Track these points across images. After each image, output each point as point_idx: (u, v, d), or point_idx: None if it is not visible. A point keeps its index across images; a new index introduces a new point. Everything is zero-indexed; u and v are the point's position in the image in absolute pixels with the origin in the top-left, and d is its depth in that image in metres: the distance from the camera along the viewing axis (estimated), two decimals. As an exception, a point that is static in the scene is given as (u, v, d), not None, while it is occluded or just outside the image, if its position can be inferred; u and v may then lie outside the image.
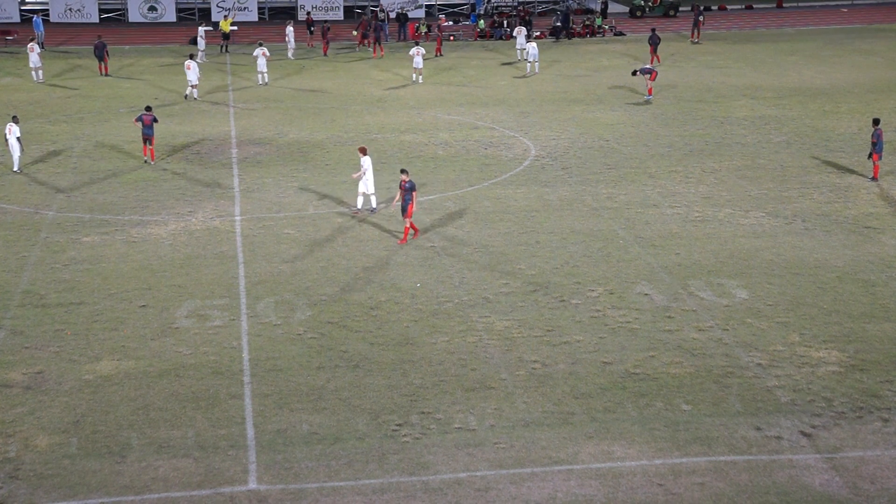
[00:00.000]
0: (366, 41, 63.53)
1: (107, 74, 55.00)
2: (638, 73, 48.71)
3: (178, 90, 50.58)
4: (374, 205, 31.69)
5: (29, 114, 45.79)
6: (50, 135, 42.01)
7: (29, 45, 53.49)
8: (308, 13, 70.00)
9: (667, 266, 27.41)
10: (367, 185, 31.22)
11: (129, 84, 52.63)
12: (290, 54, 60.42)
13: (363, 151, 31.19)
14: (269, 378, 21.41)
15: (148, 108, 37.70)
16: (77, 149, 39.77)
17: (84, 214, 31.84)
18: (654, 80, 48.15)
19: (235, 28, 67.05)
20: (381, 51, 61.41)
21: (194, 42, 65.16)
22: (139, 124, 37.21)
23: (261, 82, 52.70)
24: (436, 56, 60.44)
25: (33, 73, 53.21)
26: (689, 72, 55.43)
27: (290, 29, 60.83)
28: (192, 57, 49.48)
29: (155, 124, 37.33)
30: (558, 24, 69.81)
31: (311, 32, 64.99)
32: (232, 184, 35.14)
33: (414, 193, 28.73)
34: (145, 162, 37.22)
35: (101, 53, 55.09)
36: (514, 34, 61.63)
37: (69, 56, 60.24)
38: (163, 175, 36.08)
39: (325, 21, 67.84)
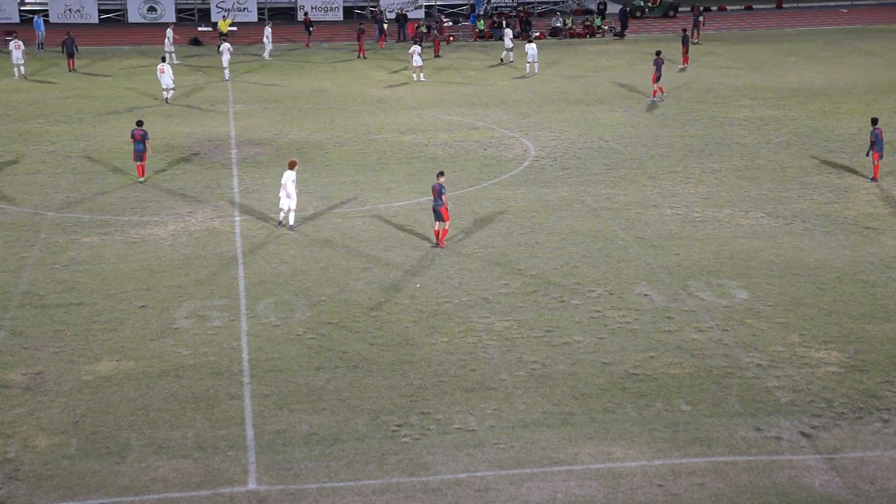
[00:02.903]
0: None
1: (73, 70, 55.94)
2: (658, 58, 48.26)
3: (178, 90, 50.56)
4: (280, 219, 30.34)
5: (28, 114, 45.81)
6: (50, 135, 42.01)
7: (14, 42, 54.07)
8: (306, 13, 70.00)
9: (666, 266, 27.41)
10: (283, 200, 29.91)
11: (129, 84, 52.64)
12: (265, 55, 60.21)
13: (290, 166, 29.88)
14: (269, 378, 21.41)
15: (139, 123, 35.52)
16: (77, 149, 39.77)
17: (83, 215, 31.84)
18: (655, 81, 48.07)
19: (235, 28, 67.08)
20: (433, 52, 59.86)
21: (195, 43, 65.30)
22: (131, 140, 35.10)
23: (227, 78, 53.64)
24: (434, 57, 60.39)
25: (16, 69, 54.18)
26: (688, 72, 55.42)
27: (268, 30, 60.76)
28: (164, 60, 49.18)
29: (147, 140, 34.94)
30: (562, 24, 69.85)
31: (310, 33, 64.99)
32: (231, 184, 35.14)
33: (444, 197, 28.34)
34: (140, 182, 35.05)
35: (70, 49, 55.95)
36: (502, 35, 61.37)
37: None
38: (162, 175, 36.06)
39: (361, 23, 67.33)
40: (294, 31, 68.21)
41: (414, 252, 28.52)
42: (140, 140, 34.86)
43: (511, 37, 59.68)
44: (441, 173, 28.88)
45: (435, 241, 28.79)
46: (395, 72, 56.40)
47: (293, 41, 65.77)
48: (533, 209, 32.18)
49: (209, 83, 53.10)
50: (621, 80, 53.17)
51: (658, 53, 48.81)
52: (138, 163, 35.34)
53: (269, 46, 60.34)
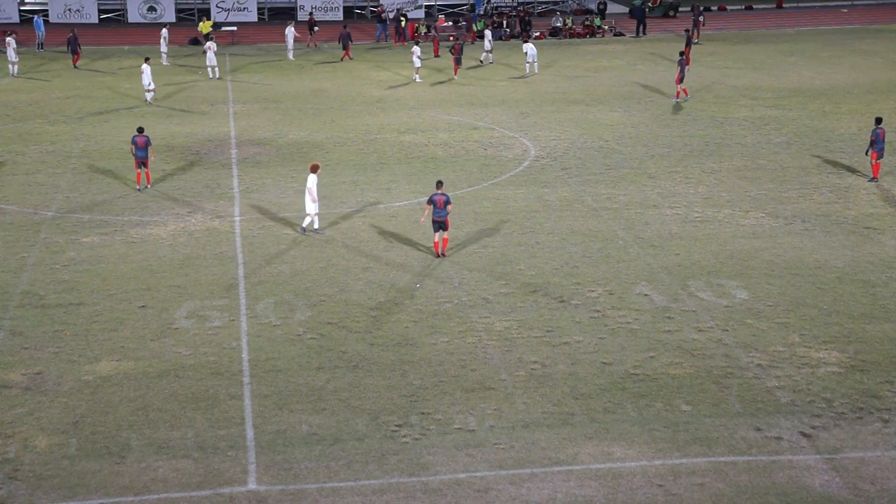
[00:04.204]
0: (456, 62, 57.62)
1: (76, 66, 56.96)
2: (682, 58, 48.07)
3: (177, 91, 50.60)
4: (307, 224, 29.90)
5: (28, 114, 45.80)
6: (49, 135, 42.01)
7: (6, 40, 54.39)
8: (310, 13, 70.04)
9: (666, 266, 27.41)
10: (308, 205, 29.54)
11: (129, 84, 52.61)
12: (290, 55, 60.54)
13: (313, 169, 29.45)
14: (269, 379, 21.41)
15: (140, 130, 34.29)
16: (77, 149, 39.77)
17: (83, 215, 31.84)
18: (679, 82, 47.87)
19: (235, 28, 66.99)
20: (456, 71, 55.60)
21: (195, 43, 65.33)
22: (133, 147, 34.03)
23: (211, 76, 53.94)
24: (434, 57, 60.39)
25: (10, 66, 54.53)
26: (688, 72, 55.35)
27: (290, 30, 60.82)
28: (147, 60, 48.20)
29: (150, 147, 34.11)
30: (588, 23, 69.84)
31: (312, 32, 65.08)
32: (231, 184, 35.14)
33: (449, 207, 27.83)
34: (138, 189, 34.18)
35: (73, 47, 56.91)
36: (483, 37, 61.08)
37: (67, 57, 60.20)
38: (162, 175, 36.05)
39: (345, 25, 67.17)
40: (295, 31, 68.17)
41: (414, 252, 28.52)
42: (143, 147, 33.84)
43: (490, 38, 59.62)
44: (440, 182, 28.25)
45: (436, 253, 28.28)
46: (442, 75, 56.36)
47: (294, 41, 65.72)
48: (533, 209, 32.18)
49: (207, 82, 53.13)
50: (621, 80, 53.16)
51: (682, 54, 48.79)
52: (139, 170, 34.34)
53: (291, 46, 60.45)
